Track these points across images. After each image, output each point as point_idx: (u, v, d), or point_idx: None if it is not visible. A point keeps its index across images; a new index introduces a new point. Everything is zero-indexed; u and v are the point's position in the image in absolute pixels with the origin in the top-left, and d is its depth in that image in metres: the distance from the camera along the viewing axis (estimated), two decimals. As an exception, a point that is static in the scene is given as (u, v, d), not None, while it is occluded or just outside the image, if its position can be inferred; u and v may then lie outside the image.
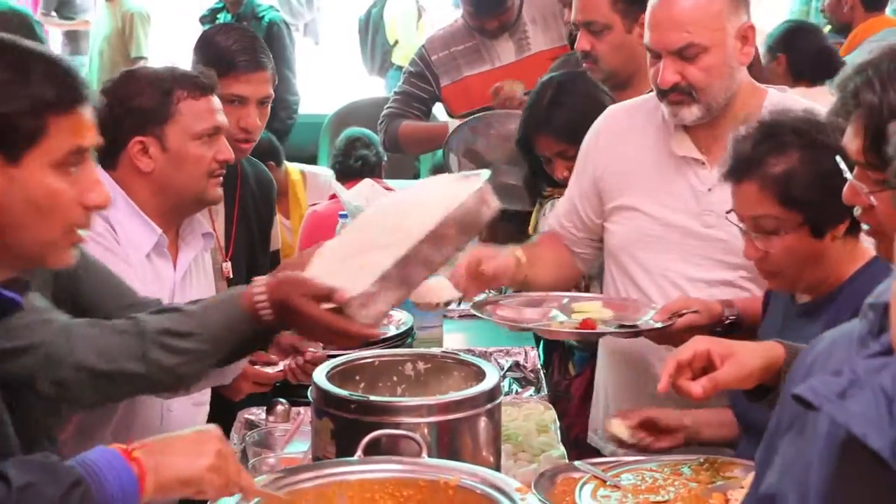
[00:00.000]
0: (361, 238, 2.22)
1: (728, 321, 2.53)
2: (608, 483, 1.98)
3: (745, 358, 1.99)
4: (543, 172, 3.41)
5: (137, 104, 2.57)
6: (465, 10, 4.51)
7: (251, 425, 2.75)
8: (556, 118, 3.23)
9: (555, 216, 3.01)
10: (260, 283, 2.06)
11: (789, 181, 2.23)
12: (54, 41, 9.20)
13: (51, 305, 2.01)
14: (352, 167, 4.92)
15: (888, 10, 5.39)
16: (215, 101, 2.67)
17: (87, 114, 1.68)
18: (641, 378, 2.74)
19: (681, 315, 2.51)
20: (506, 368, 3.20)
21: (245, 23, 7.16)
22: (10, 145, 1.60)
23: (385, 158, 5.06)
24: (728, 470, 2.02)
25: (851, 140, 1.83)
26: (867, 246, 2.23)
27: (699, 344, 2.00)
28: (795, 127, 2.27)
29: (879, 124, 1.78)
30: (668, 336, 2.52)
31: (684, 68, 2.58)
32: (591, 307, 2.71)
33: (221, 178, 2.68)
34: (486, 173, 2.15)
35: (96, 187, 1.69)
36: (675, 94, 2.61)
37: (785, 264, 2.29)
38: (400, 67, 8.38)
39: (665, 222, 2.72)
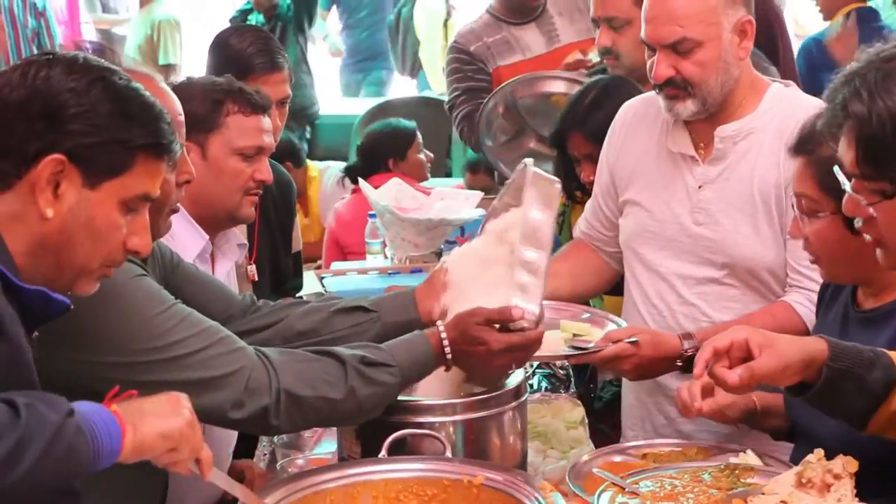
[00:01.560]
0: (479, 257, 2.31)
1: (688, 353, 2.50)
2: (627, 490, 1.96)
3: (784, 350, 1.93)
4: (574, 174, 3.41)
5: (188, 109, 2.54)
6: None
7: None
8: (592, 120, 3.20)
9: (583, 219, 3.01)
10: (440, 324, 2.13)
11: (831, 166, 2.20)
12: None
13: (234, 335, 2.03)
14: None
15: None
16: (265, 121, 2.67)
17: (166, 168, 1.77)
18: (656, 397, 2.74)
19: (616, 342, 2.49)
20: (535, 366, 3.19)
21: (279, 23, 7.22)
22: (96, 170, 1.67)
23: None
24: (748, 476, 2.00)
25: (845, 152, 1.82)
26: None
27: (738, 332, 1.96)
28: None
29: (870, 134, 1.77)
30: (607, 362, 2.52)
31: (678, 62, 2.56)
32: (576, 327, 2.64)
33: (256, 198, 2.68)
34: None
35: (143, 234, 1.75)
36: (670, 89, 2.59)
37: (820, 250, 2.24)
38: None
39: (662, 218, 2.71)
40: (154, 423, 1.62)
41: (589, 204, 3.00)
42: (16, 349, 1.63)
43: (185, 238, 2.59)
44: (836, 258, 2.22)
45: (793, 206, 2.29)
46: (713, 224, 2.60)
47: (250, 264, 3.09)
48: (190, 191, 2.55)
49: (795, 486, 1.84)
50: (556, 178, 2.29)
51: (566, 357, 2.53)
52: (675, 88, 2.58)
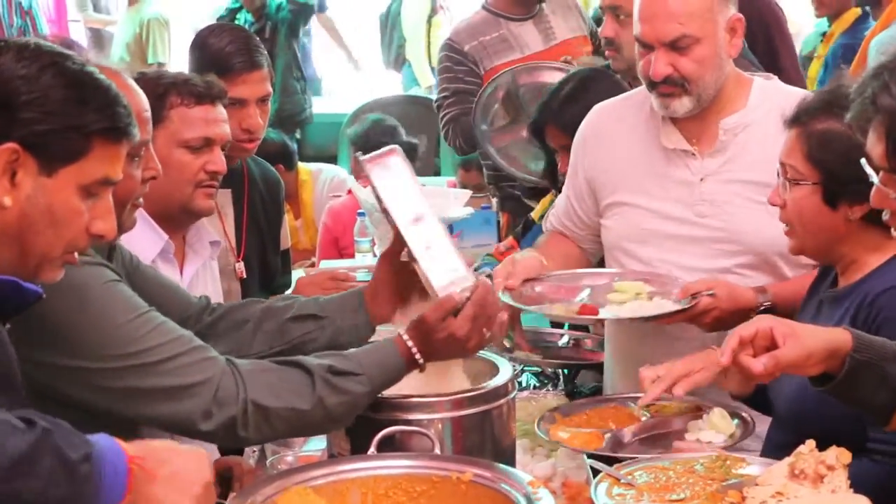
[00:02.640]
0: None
1: (762, 308, 2.53)
2: (622, 481, 1.98)
3: (808, 339, 1.94)
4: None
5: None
6: None
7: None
8: (567, 112, 3.24)
9: (555, 216, 3.03)
10: (402, 335, 2.13)
11: (821, 140, 2.26)
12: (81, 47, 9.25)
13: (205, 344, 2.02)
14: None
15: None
16: (215, 110, 2.62)
17: (125, 150, 1.75)
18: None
19: (694, 296, 2.54)
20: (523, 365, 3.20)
21: (268, 22, 7.22)
22: (51, 157, 1.65)
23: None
24: (739, 466, 2.00)
25: (874, 145, 1.83)
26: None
27: (763, 322, 1.97)
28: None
29: None
30: (691, 318, 2.54)
31: (676, 60, 2.59)
32: (632, 286, 2.71)
33: (213, 188, 2.64)
34: None
35: (107, 217, 1.74)
36: (665, 86, 2.62)
37: (795, 218, 2.33)
38: (411, 63, 8.45)
39: (659, 215, 2.73)
40: (155, 499, 1.61)
41: (559, 204, 3.02)
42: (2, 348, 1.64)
43: (142, 239, 2.56)
44: (809, 229, 2.31)
45: (777, 174, 2.35)
46: (721, 214, 2.63)
47: (238, 262, 3.10)
48: None
49: (788, 478, 1.84)
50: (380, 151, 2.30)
51: (667, 315, 2.55)
52: (670, 86, 2.61)
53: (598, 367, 3.06)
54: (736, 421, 2.39)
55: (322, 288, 3.19)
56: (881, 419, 2.02)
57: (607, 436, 2.36)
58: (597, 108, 2.94)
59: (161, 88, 2.57)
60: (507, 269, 2.74)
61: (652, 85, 2.65)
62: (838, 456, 1.84)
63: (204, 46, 3.14)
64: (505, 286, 2.68)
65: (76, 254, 1.75)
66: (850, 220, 2.26)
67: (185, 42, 3.30)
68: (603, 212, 2.86)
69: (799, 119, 2.31)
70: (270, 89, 3.14)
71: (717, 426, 2.38)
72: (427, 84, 8.27)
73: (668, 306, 2.58)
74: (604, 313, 2.63)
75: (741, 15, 2.65)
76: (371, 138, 5.17)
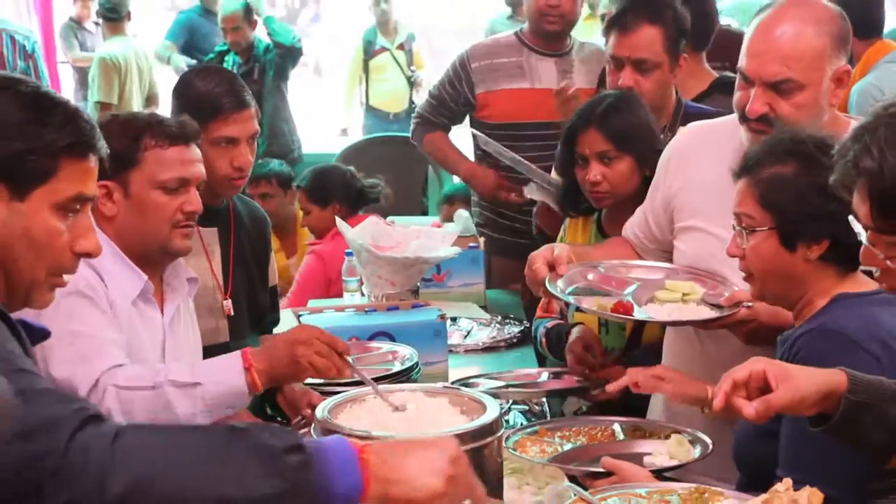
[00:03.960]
0: None
1: None
2: None
3: (801, 383, 1.95)
4: (574, 185, 3.41)
5: (109, 146, 2.53)
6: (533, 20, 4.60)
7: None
8: (612, 118, 3.25)
9: (629, 225, 3.05)
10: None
11: (772, 185, 2.30)
12: (67, 84, 9.27)
13: None
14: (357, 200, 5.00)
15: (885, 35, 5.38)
16: (190, 151, 2.64)
17: (94, 164, 1.75)
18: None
19: (737, 304, 2.57)
20: (510, 402, 3.22)
21: (256, 64, 7.26)
22: (21, 181, 1.66)
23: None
24: (717, 500, 2.03)
25: (859, 206, 1.87)
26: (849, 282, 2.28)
27: (756, 364, 1.98)
28: (806, 141, 2.32)
29: (882, 189, 1.82)
30: (728, 327, 2.58)
31: (775, 101, 2.56)
32: (683, 286, 2.74)
33: (189, 228, 2.66)
34: None
35: (89, 235, 1.75)
36: (758, 123, 2.59)
37: (755, 266, 2.36)
38: (375, 110, 8.61)
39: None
40: (406, 477, 1.55)
41: (636, 214, 3.04)
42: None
43: (122, 280, 2.58)
44: (768, 274, 2.35)
45: (733, 227, 2.37)
46: None
47: (226, 299, 3.11)
48: (119, 230, 2.57)
49: (761, 514, 1.87)
50: None
51: (711, 321, 2.60)
52: (763, 124, 2.58)
53: (583, 391, 3.09)
54: (698, 449, 2.47)
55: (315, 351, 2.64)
56: (880, 459, 2.04)
57: (566, 446, 2.46)
58: (689, 128, 2.94)
59: (135, 130, 2.59)
60: (547, 257, 2.74)
61: (745, 118, 2.62)
62: (810, 497, 1.86)
63: (190, 88, 3.17)
64: (552, 274, 2.69)
65: (64, 276, 1.75)
66: (808, 260, 2.29)
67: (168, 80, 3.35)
68: (677, 233, 2.87)
69: (747, 168, 2.34)
70: (258, 127, 3.18)
71: (672, 452, 2.48)
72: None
73: (706, 313, 2.61)
74: (638, 314, 2.66)
75: (850, 67, 2.62)
76: (333, 188, 5.28)
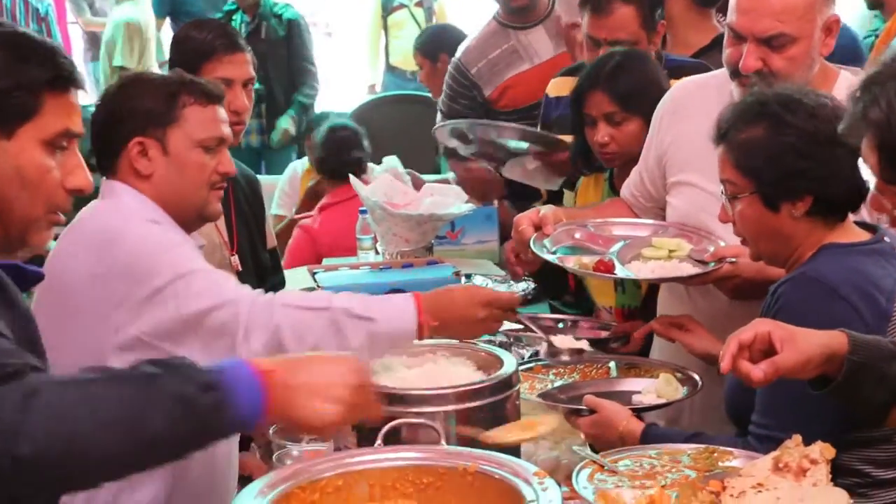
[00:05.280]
0: None
1: None
2: (606, 468, 1.99)
3: (806, 344, 1.94)
4: (584, 144, 3.39)
5: (141, 105, 2.49)
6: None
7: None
8: (618, 79, 3.22)
9: (626, 185, 3.06)
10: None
11: (747, 149, 2.30)
12: (76, 45, 9.25)
13: None
14: (341, 170, 4.90)
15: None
16: (221, 111, 2.60)
17: (77, 100, 1.75)
18: None
19: (721, 260, 2.59)
20: (528, 356, 3.22)
21: (265, 22, 7.22)
22: (6, 119, 1.67)
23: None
24: (726, 459, 2.02)
25: (868, 156, 1.87)
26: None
27: (760, 326, 1.97)
28: (771, 102, 2.31)
29: (890, 141, 1.81)
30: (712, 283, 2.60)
31: (768, 56, 2.56)
32: (670, 243, 2.74)
33: (222, 192, 2.62)
34: None
35: (78, 171, 1.74)
36: (749, 79, 2.57)
37: (744, 230, 2.37)
38: (393, 68, 8.47)
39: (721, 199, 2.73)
40: (302, 414, 1.63)
41: (634, 173, 3.04)
42: (28, 321, 1.65)
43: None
44: (759, 236, 2.35)
45: (722, 194, 2.38)
46: None
47: (233, 255, 3.12)
48: (158, 190, 2.48)
49: (772, 471, 1.86)
50: None
51: (693, 277, 2.62)
52: (756, 78, 2.56)
53: (604, 342, 3.04)
54: (686, 389, 2.51)
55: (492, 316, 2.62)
56: (878, 418, 2.04)
57: (557, 383, 2.52)
58: (679, 84, 2.93)
59: (173, 87, 2.54)
60: (533, 218, 2.76)
61: (736, 74, 2.62)
62: (822, 451, 1.86)
63: (186, 39, 3.19)
64: (538, 234, 2.71)
65: (60, 214, 1.75)
66: (794, 218, 2.28)
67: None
68: (669, 188, 2.87)
69: (722, 135, 2.34)
70: (253, 73, 3.18)
71: (660, 390, 2.51)
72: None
73: (688, 269, 2.61)
74: (619, 272, 2.65)
75: (839, 16, 2.62)
76: (333, 156, 5.16)
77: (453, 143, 4.24)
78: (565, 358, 2.49)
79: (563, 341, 2.50)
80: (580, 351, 2.51)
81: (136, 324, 2.26)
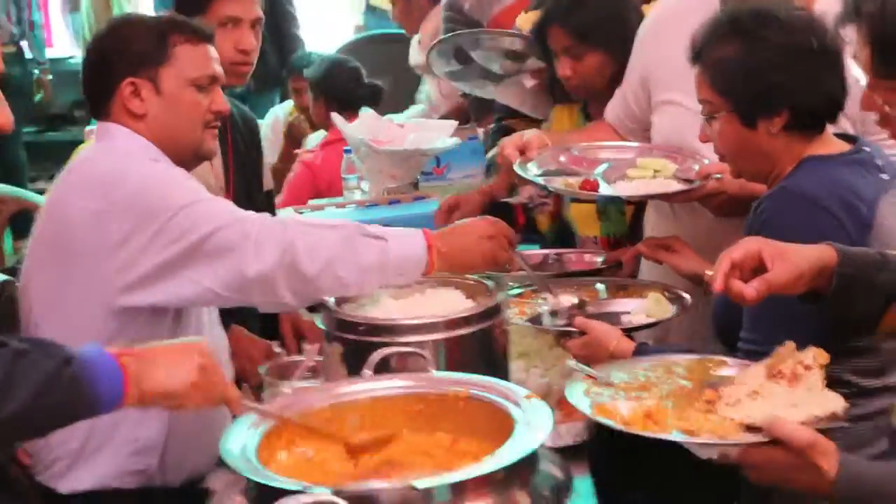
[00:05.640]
0: None
1: None
2: (600, 380, 1.99)
3: (796, 259, 1.92)
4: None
5: (131, 47, 2.48)
6: None
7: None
8: (574, 14, 3.18)
9: (610, 107, 3.04)
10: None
11: (719, 68, 2.30)
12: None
13: None
14: (355, 102, 4.88)
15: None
16: (212, 50, 2.58)
17: None
18: None
19: (706, 177, 2.58)
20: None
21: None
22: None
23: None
24: (720, 368, 2.02)
25: (860, 51, 1.86)
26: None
27: (750, 244, 1.95)
28: (743, 18, 2.30)
29: (883, 34, 1.80)
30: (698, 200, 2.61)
31: None
32: (655, 163, 2.74)
33: (217, 130, 2.61)
34: None
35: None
36: None
37: (724, 148, 2.37)
38: (373, 8, 8.38)
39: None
40: (158, 379, 1.69)
41: (617, 95, 3.03)
42: None
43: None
44: (738, 154, 2.34)
45: (702, 113, 2.38)
46: None
47: (228, 197, 3.09)
48: (152, 129, 2.48)
49: (766, 378, 1.86)
50: None
51: (677, 194, 2.63)
52: None
53: (597, 272, 3.06)
54: (675, 307, 2.51)
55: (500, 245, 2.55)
56: (868, 328, 2.04)
57: (549, 301, 2.52)
58: (662, 2, 2.91)
59: (163, 27, 2.53)
60: (517, 142, 2.75)
61: None
62: (815, 356, 1.86)
63: None
64: (523, 157, 2.70)
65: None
66: (772, 133, 2.27)
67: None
68: (654, 108, 2.87)
69: (697, 55, 2.34)
70: (261, 14, 3.15)
71: (649, 310, 2.52)
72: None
73: (673, 186, 2.60)
74: (604, 189, 2.65)
75: None
76: (335, 84, 5.14)
77: (451, 67, 4.18)
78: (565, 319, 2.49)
79: (564, 301, 2.54)
80: (582, 304, 2.54)
81: (142, 261, 2.26)
